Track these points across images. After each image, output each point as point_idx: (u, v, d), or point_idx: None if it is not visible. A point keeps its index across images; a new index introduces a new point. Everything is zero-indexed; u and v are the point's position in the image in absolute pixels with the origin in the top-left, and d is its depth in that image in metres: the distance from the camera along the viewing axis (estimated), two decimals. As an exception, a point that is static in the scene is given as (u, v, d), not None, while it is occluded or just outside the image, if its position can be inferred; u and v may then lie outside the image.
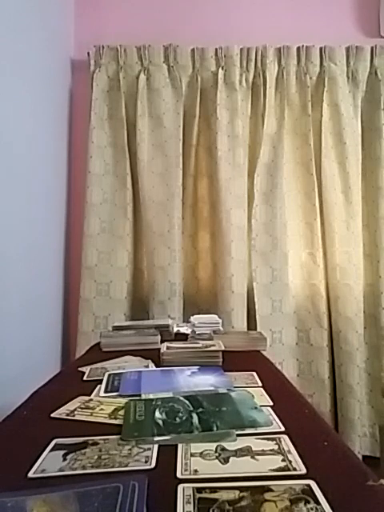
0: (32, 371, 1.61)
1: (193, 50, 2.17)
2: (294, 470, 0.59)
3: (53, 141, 2.01)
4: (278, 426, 0.73)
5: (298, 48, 2.18)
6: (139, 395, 0.91)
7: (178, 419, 0.76)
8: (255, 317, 2.06)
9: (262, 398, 0.89)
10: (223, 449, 0.65)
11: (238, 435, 0.70)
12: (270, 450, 0.65)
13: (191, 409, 0.80)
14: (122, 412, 0.81)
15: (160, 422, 0.75)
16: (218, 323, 1.59)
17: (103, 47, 2.16)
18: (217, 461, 0.62)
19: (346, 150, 2.12)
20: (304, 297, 2.13)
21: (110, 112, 2.16)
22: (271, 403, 0.85)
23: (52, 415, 0.81)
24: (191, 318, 1.62)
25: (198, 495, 0.52)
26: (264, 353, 1.38)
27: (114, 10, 2.29)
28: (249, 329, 2.03)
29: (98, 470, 0.60)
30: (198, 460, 0.62)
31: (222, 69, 2.15)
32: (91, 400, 0.90)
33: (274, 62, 2.18)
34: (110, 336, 1.49)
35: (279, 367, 1.93)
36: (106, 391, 0.95)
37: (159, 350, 1.23)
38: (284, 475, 0.57)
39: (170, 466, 0.61)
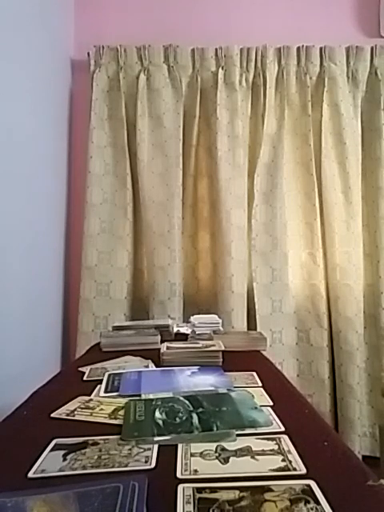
0: (32, 371, 1.61)
1: (193, 50, 2.17)
2: (294, 470, 0.59)
3: (53, 141, 2.01)
4: (277, 426, 0.73)
5: (298, 48, 2.18)
6: (139, 395, 0.91)
7: (178, 419, 0.76)
8: (255, 317, 2.06)
9: (261, 398, 0.89)
10: (223, 449, 0.65)
11: (238, 435, 0.70)
12: (270, 450, 0.65)
13: (191, 409, 0.80)
14: (121, 412, 0.81)
15: (160, 422, 0.75)
16: (218, 323, 1.59)
17: (103, 47, 2.16)
18: (217, 461, 0.62)
19: (346, 150, 2.12)
20: (304, 297, 2.13)
21: (110, 112, 2.16)
22: (271, 403, 0.85)
23: (52, 415, 0.81)
24: (191, 318, 1.62)
25: (197, 495, 0.52)
26: (264, 353, 1.38)
27: (114, 10, 2.29)
28: (249, 329, 2.03)
29: (98, 470, 0.60)
30: (198, 460, 0.62)
31: (222, 69, 2.15)
32: (91, 400, 0.90)
33: (274, 62, 2.18)
34: (110, 336, 1.49)
35: (279, 367, 1.93)
36: (106, 391, 0.95)
37: (159, 350, 1.23)
38: (284, 475, 0.57)
39: (169, 466, 0.61)
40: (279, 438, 0.68)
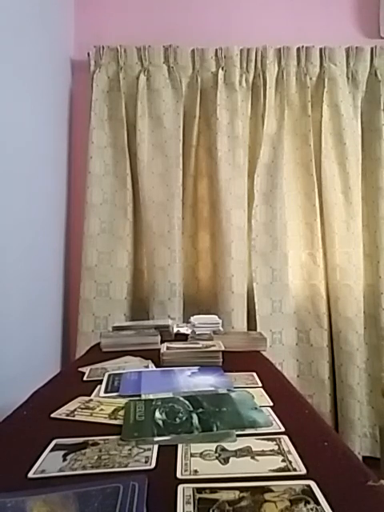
0: (32, 371, 1.61)
1: (193, 51, 2.17)
2: (294, 470, 0.59)
3: (53, 141, 2.01)
4: (277, 426, 0.74)
5: (298, 49, 2.18)
6: (139, 395, 0.91)
7: (178, 419, 0.76)
8: (255, 317, 2.06)
9: (261, 398, 0.89)
10: (223, 449, 0.65)
11: (238, 435, 0.70)
12: (270, 451, 0.65)
13: (191, 409, 0.80)
14: (121, 412, 0.81)
15: (160, 423, 0.75)
16: (218, 323, 1.59)
17: (103, 48, 2.16)
18: (217, 461, 0.62)
19: (346, 151, 2.12)
20: (304, 297, 2.13)
21: (110, 112, 2.16)
22: (271, 404, 0.85)
23: (52, 415, 0.82)
24: (191, 318, 1.62)
25: (197, 495, 0.52)
26: (264, 353, 1.38)
27: (114, 10, 2.29)
28: (249, 329, 2.03)
29: (97, 471, 0.60)
30: (197, 460, 0.62)
31: (222, 69, 2.15)
32: (91, 400, 0.90)
33: (273, 63, 2.19)
34: (110, 336, 1.49)
35: (279, 368, 1.93)
36: (106, 391, 0.95)
37: (159, 350, 1.23)
38: (284, 475, 0.57)
39: (170, 466, 0.61)
40: (279, 439, 0.68)
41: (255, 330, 2.01)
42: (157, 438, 0.69)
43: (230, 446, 0.67)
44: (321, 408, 2.01)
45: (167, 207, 2.09)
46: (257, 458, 0.63)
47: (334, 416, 2.06)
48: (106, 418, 0.80)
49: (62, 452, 0.66)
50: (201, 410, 0.80)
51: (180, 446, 0.66)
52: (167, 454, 0.64)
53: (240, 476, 0.57)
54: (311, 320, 2.10)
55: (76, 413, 0.82)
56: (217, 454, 0.64)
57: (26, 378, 1.44)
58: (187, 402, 0.84)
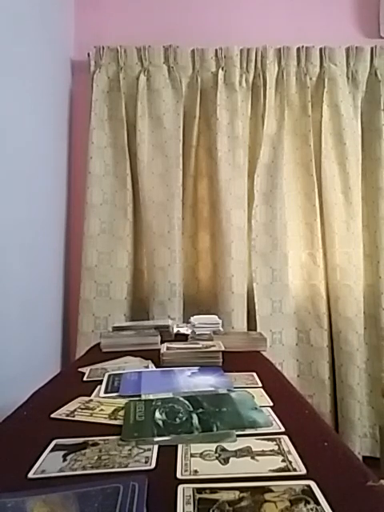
0: (32, 372, 1.61)
1: (193, 51, 2.17)
2: (294, 470, 0.59)
3: (53, 141, 2.01)
4: (278, 426, 0.74)
5: (298, 49, 2.18)
6: (139, 396, 0.91)
7: (178, 420, 0.76)
8: (255, 317, 2.06)
9: (261, 398, 0.89)
10: (223, 449, 0.65)
11: (238, 436, 0.70)
12: (270, 451, 0.65)
13: (191, 409, 0.80)
14: (121, 412, 0.81)
15: (160, 423, 0.75)
16: (218, 324, 1.59)
17: (103, 48, 2.16)
18: (217, 461, 0.62)
19: (346, 151, 2.12)
20: (304, 297, 2.13)
21: (110, 113, 2.16)
22: (271, 404, 0.85)
23: (52, 416, 0.82)
24: (191, 318, 1.62)
25: (198, 496, 0.52)
26: (264, 353, 1.38)
27: (114, 10, 2.29)
28: (249, 329, 2.03)
29: (97, 471, 0.60)
30: (198, 460, 0.62)
31: (222, 69, 2.15)
32: (91, 400, 0.90)
33: (273, 63, 2.19)
34: (109, 336, 1.49)
35: (279, 368, 1.93)
36: (105, 392, 0.95)
37: (159, 350, 1.23)
38: (284, 476, 0.57)
39: (170, 466, 0.61)
40: (279, 439, 0.68)
41: (255, 330, 2.00)
42: (157, 438, 0.69)
43: (230, 446, 0.67)
44: (321, 408, 2.01)
45: (167, 207, 2.09)
46: (257, 458, 0.63)
47: (334, 416, 2.06)
48: (106, 418, 0.80)
49: (62, 452, 0.66)
50: (201, 410, 0.80)
51: (180, 446, 0.66)
52: (167, 454, 0.64)
53: (240, 476, 0.57)
54: (311, 320, 2.10)
55: (76, 413, 0.82)
56: (217, 454, 0.64)
57: (25, 378, 1.44)
58: (187, 402, 0.84)
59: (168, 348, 1.24)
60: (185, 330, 1.69)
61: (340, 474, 0.59)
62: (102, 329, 1.99)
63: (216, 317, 1.66)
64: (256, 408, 0.81)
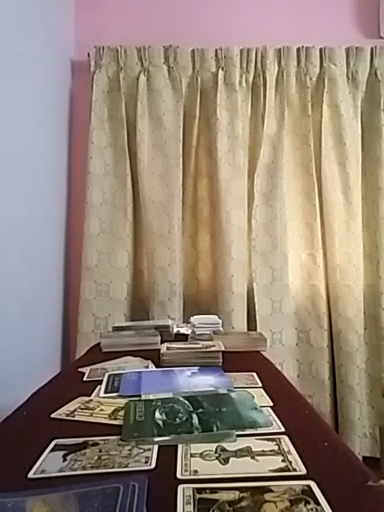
0: (32, 372, 1.61)
1: (193, 51, 2.17)
2: (294, 470, 0.59)
3: (53, 141, 2.01)
4: (278, 426, 0.74)
5: (298, 49, 2.19)
6: (139, 396, 0.91)
7: (178, 420, 0.76)
8: (255, 317, 2.06)
9: (261, 398, 0.89)
10: (223, 449, 0.65)
11: (238, 436, 0.70)
12: (270, 451, 0.65)
13: (191, 409, 0.80)
14: (121, 412, 0.81)
15: (160, 423, 0.75)
16: (218, 324, 1.59)
17: (103, 48, 2.16)
18: (217, 461, 0.62)
19: (346, 151, 2.12)
20: (304, 297, 2.13)
21: (110, 113, 2.16)
22: (271, 404, 0.85)
23: (52, 416, 0.81)
24: (191, 318, 1.62)
25: (198, 496, 0.52)
26: (264, 353, 1.38)
27: (114, 10, 2.29)
28: (249, 329, 2.03)
29: (97, 471, 0.60)
30: (198, 460, 0.62)
31: (222, 70, 2.15)
32: (91, 400, 0.90)
33: (273, 63, 2.19)
34: (109, 336, 1.49)
35: (279, 368, 1.93)
36: (105, 392, 0.95)
37: (159, 350, 1.23)
38: (284, 476, 0.57)
39: (170, 466, 0.61)
40: (279, 439, 0.68)
41: (255, 330, 2.00)
42: (157, 438, 0.69)
43: (230, 446, 0.67)
44: (321, 408, 2.01)
45: (167, 207, 2.09)
46: (257, 458, 0.63)
47: (334, 416, 2.06)
48: (106, 418, 0.80)
49: (62, 452, 0.66)
50: (201, 410, 0.80)
51: (180, 447, 0.66)
52: (167, 454, 0.64)
53: (240, 476, 0.57)
54: (311, 320, 2.10)
55: (76, 413, 0.82)
56: (217, 454, 0.64)
57: (25, 378, 1.44)
58: (187, 402, 0.84)
59: (168, 348, 1.24)
60: (185, 329, 1.69)
61: (340, 473, 0.59)
62: (102, 329, 1.99)
63: (216, 317, 1.65)
64: (256, 408, 0.81)
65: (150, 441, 0.68)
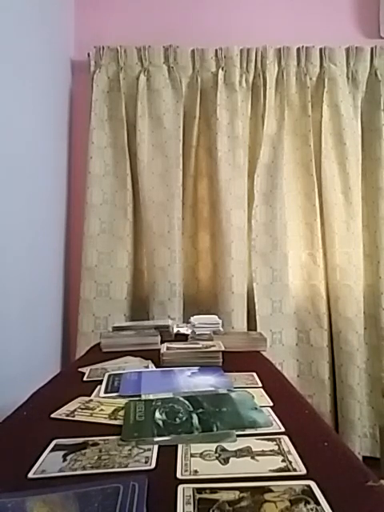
0: (32, 372, 1.61)
1: (193, 51, 2.17)
2: (294, 470, 0.59)
3: (53, 141, 2.01)
4: (278, 426, 0.73)
5: (298, 49, 2.18)
6: (139, 396, 0.91)
7: (178, 420, 0.76)
8: (255, 317, 2.06)
9: (262, 398, 0.89)
10: (223, 449, 0.65)
11: (238, 436, 0.70)
12: (270, 451, 0.65)
13: (191, 409, 0.80)
14: (121, 412, 0.81)
15: (160, 423, 0.75)
16: (218, 324, 1.59)
17: (103, 48, 2.16)
18: (217, 461, 0.62)
19: (346, 151, 2.12)
20: (304, 297, 2.13)
21: (110, 113, 2.16)
22: (271, 404, 0.85)
23: (52, 416, 0.81)
24: (191, 318, 1.62)
25: (198, 496, 0.52)
26: (264, 353, 1.38)
27: (114, 10, 2.29)
28: (249, 329, 2.03)
29: (97, 471, 0.60)
30: (198, 460, 0.62)
31: (222, 70, 2.15)
32: (91, 400, 0.90)
33: (273, 63, 2.19)
34: (109, 336, 1.49)
35: (279, 368, 1.93)
36: (106, 392, 0.95)
37: (159, 350, 1.23)
38: (284, 476, 0.57)
39: (170, 466, 0.61)
40: (279, 439, 0.68)
41: (255, 330, 2.00)
42: (157, 439, 0.69)
43: (230, 446, 0.67)
44: (321, 408, 2.01)
45: (167, 207, 2.09)
46: (257, 458, 0.63)
47: (334, 416, 2.06)
48: (106, 418, 0.80)
49: (62, 452, 0.66)
50: (201, 410, 0.80)
51: (180, 447, 0.66)
52: (167, 454, 0.64)
53: (240, 476, 0.57)
54: (311, 320, 2.10)
55: (76, 413, 0.82)
56: (217, 454, 0.64)
57: (25, 378, 1.44)
58: (187, 402, 0.84)
59: (168, 348, 1.24)
60: (185, 329, 1.68)
61: (340, 473, 0.59)
62: (102, 329, 1.99)
63: (216, 317, 1.65)
64: (256, 408, 0.81)
65: (150, 441, 0.68)
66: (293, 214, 2.16)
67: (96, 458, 0.64)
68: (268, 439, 0.69)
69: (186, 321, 1.88)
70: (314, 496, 0.52)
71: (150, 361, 1.22)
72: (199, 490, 0.53)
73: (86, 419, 0.80)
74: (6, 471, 0.62)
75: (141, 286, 2.17)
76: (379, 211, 2.11)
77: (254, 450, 0.65)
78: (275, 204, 2.13)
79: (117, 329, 1.61)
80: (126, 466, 0.61)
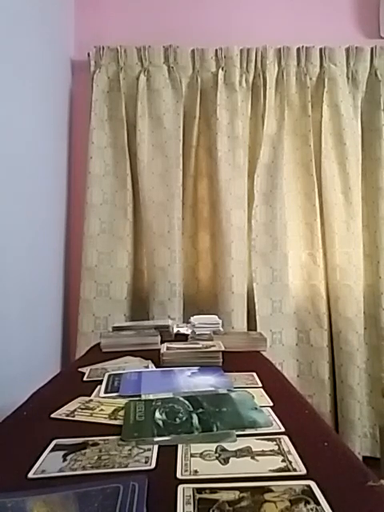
0: (32, 372, 1.61)
1: (193, 51, 2.17)
2: (294, 470, 0.59)
3: (53, 141, 2.01)
4: (278, 426, 0.73)
5: (298, 49, 2.18)
6: (139, 396, 0.91)
7: (178, 420, 0.76)
8: (255, 317, 2.06)
9: (262, 398, 0.89)
10: (223, 449, 0.65)
11: (238, 436, 0.70)
12: (270, 451, 0.65)
13: (191, 409, 0.80)
14: (121, 412, 0.81)
15: (160, 423, 0.75)
16: (218, 324, 1.59)
17: (103, 48, 2.16)
18: (217, 461, 0.62)
19: (346, 151, 2.12)
20: (304, 297, 2.13)
21: (110, 113, 2.16)
22: (271, 404, 0.85)
23: (52, 416, 0.81)
24: (191, 318, 1.62)
25: (198, 496, 0.52)
26: (264, 353, 1.38)
27: (114, 10, 2.29)
28: (249, 329, 2.03)
29: (97, 471, 0.60)
30: (198, 460, 0.62)
31: (222, 70, 2.15)
32: (91, 400, 0.90)
33: (273, 63, 2.19)
34: (109, 336, 1.49)
35: (279, 368, 1.93)
36: (106, 392, 0.95)
37: (159, 350, 1.23)
38: (284, 476, 0.57)
39: (170, 466, 0.61)
40: (279, 439, 0.68)
41: (255, 330, 2.00)
42: (157, 438, 0.69)
43: (230, 446, 0.67)
44: (321, 408, 2.01)
45: (167, 207, 2.09)
46: (257, 458, 0.63)
47: (334, 416, 2.06)
48: (106, 418, 0.80)
49: (62, 452, 0.66)
50: (201, 410, 0.80)
51: (180, 447, 0.66)
52: (167, 454, 0.64)
53: (240, 476, 0.57)
54: (311, 320, 2.10)
55: (76, 413, 0.82)
56: (217, 454, 0.64)
57: (25, 378, 1.44)
58: (187, 402, 0.84)
59: (168, 348, 1.24)
60: (185, 329, 1.68)
61: (340, 473, 0.59)
62: (102, 329, 1.99)
63: (216, 317, 1.65)
64: (256, 408, 0.81)
65: (150, 441, 0.68)
66: (293, 214, 2.16)
67: (96, 458, 0.64)
68: (268, 439, 0.69)
69: (186, 321, 1.88)
70: (314, 496, 0.52)
71: (150, 361, 1.22)
72: (199, 490, 0.53)
73: (85, 419, 0.80)
74: (6, 471, 0.62)
75: (141, 286, 2.17)
76: (379, 211, 2.11)
77: (254, 450, 0.65)
78: (275, 204, 2.13)
79: (117, 329, 1.61)
80: (126, 466, 0.61)
